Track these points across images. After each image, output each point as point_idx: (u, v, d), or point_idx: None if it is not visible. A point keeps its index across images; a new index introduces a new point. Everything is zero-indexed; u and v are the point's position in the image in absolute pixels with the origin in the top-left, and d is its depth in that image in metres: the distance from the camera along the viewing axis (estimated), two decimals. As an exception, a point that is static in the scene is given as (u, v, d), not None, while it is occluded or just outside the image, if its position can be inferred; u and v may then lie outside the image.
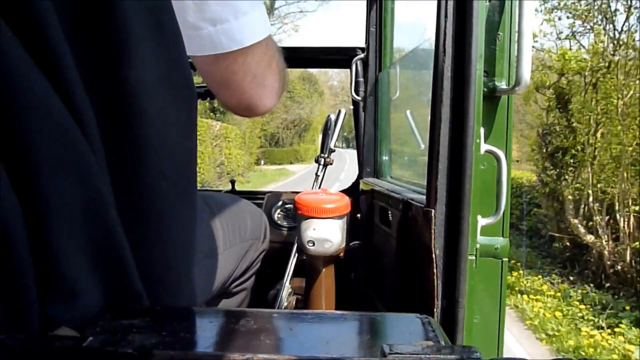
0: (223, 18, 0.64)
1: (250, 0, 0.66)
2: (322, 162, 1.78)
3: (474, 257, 0.93)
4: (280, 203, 2.03)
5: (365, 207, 1.74)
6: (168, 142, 0.49)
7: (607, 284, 7.46)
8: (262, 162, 31.70)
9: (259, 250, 1.39)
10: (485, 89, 0.94)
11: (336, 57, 2.08)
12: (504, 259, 0.99)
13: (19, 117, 0.34)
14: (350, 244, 1.47)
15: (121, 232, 0.41)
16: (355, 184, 2.09)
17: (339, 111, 1.84)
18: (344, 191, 2.14)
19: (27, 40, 0.36)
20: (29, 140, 0.35)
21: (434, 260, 0.91)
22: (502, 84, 0.95)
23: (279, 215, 2.02)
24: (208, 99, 1.33)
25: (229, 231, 1.18)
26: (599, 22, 7.98)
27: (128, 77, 0.43)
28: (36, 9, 0.36)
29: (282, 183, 22.08)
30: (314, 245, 1.28)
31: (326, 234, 1.27)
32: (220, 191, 2.25)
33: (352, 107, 2.10)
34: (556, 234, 9.26)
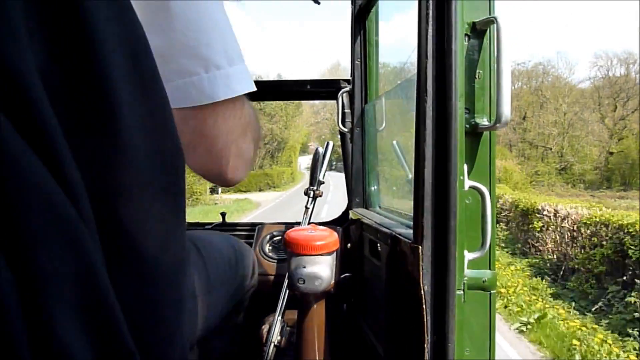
0: (192, 71, 0.62)
1: (228, 55, 0.64)
2: (311, 195, 1.80)
3: (462, 292, 0.95)
4: (271, 235, 2.04)
5: (355, 237, 1.75)
6: (158, 199, 0.50)
7: None
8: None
9: (248, 287, 1.40)
10: (467, 126, 0.97)
11: (323, 90, 2.11)
12: (492, 291, 1.01)
13: (8, 191, 0.35)
14: (341, 276, 1.47)
15: (112, 296, 0.42)
16: (345, 213, 2.11)
17: (327, 144, 1.86)
18: (334, 221, 2.16)
19: (13, 112, 0.37)
20: (19, 213, 0.36)
21: (423, 296, 0.92)
22: (484, 121, 0.98)
23: (270, 248, 2.02)
24: None
25: (217, 270, 1.19)
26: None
27: (116, 146, 0.45)
28: (22, 81, 0.37)
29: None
30: (304, 282, 1.29)
31: (316, 271, 1.27)
32: (210, 224, 2.25)
33: (339, 136, 2.12)
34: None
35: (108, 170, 0.45)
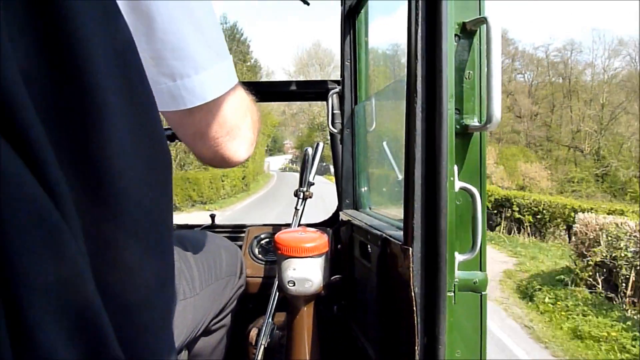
0: (183, 73, 0.62)
1: (214, 52, 0.65)
2: (301, 196, 1.79)
3: (452, 294, 0.94)
4: (260, 237, 2.03)
5: (345, 239, 1.74)
6: (144, 205, 0.49)
7: None
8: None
9: (236, 287, 1.39)
10: (458, 127, 0.96)
11: (312, 91, 2.10)
12: (483, 292, 1.00)
13: None
14: (332, 278, 1.47)
15: (98, 302, 0.41)
16: (336, 214, 2.10)
17: (317, 144, 1.85)
18: (324, 222, 2.15)
19: (1, 122, 0.36)
20: (4, 219, 0.35)
21: (414, 298, 0.92)
22: (474, 121, 0.97)
23: (259, 250, 2.01)
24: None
25: (204, 270, 1.18)
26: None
27: (101, 147, 0.44)
28: (5, 87, 0.36)
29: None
30: (294, 285, 1.28)
31: (306, 273, 1.27)
32: (199, 226, 2.24)
33: (329, 138, 2.12)
34: None
35: (93, 173, 0.44)
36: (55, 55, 0.41)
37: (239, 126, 0.75)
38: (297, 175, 1.90)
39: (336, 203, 2.09)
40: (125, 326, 0.47)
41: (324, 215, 2.28)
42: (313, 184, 1.82)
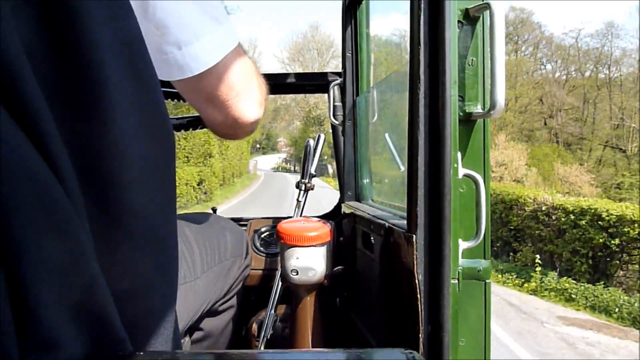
0: (187, 40, 0.66)
1: (212, 18, 0.68)
2: (303, 188, 1.79)
3: (456, 281, 0.94)
4: (262, 230, 2.03)
5: (347, 230, 1.74)
6: (148, 186, 0.49)
7: None
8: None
9: (242, 268, 1.39)
10: (461, 114, 0.96)
11: (313, 83, 2.10)
12: (487, 281, 1.00)
13: None
14: (334, 269, 1.47)
15: (102, 282, 0.41)
16: (338, 207, 2.10)
17: (319, 136, 1.85)
18: (326, 215, 2.15)
19: (2, 96, 0.36)
20: (6, 194, 0.34)
21: (417, 285, 0.91)
22: (478, 108, 0.97)
23: (261, 242, 2.01)
24: (190, 129, 1.33)
25: (206, 253, 1.18)
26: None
27: (107, 127, 0.44)
28: (8, 64, 0.36)
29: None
30: (297, 274, 1.28)
31: (309, 262, 1.27)
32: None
33: (331, 131, 2.11)
34: None
35: (98, 153, 0.44)
36: (58, 30, 0.41)
37: (246, 87, 0.78)
38: (289, 175, 1.89)
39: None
40: (127, 310, 0.47)
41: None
42: (315, 175, 1.82)
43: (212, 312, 1.27)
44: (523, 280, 11.44)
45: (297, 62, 54.72)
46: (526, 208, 13.01)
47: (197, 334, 1.29)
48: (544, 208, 12.40)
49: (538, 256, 11.97)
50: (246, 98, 0.79)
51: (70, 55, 0.42)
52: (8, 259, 0.35)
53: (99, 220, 0.44)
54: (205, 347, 1.34)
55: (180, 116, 1.28)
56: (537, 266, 11.47)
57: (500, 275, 11.95)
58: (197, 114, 1.22)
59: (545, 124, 39.86)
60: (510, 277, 11.72)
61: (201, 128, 1.23)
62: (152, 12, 0.62)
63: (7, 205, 0.35)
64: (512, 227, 13.45)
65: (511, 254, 13.60)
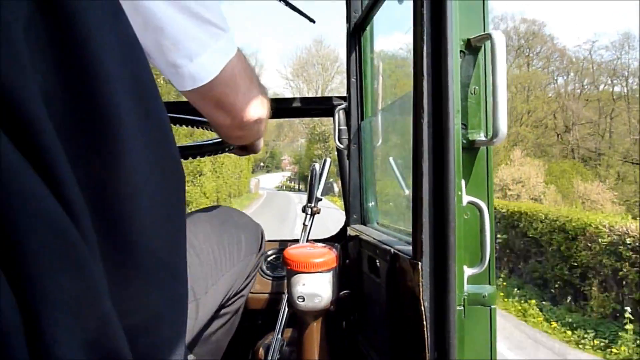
0: (197, 52, 0.71)
1: (217, 26, 0.72)
2: (309, 212, 1.80)
3: (462, 307, 0.94)
4: (268, 253, 2.04)
5: (354, 254, 1.74)
6: (159, 223, 0.50)
7: None
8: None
9: (254, 264, 1.38)
10: (464, 141, 0.97)
11: (319, 107, 2.12)
12: (493, 306, 1.01)
13: (9, 213, 0.36)
14: (340, 293, 1.47)
15: (115, 319, 0.42)
16: (343, 229, 2.11)
17: (324, 160, 1.87)
18: (332, 237, 2.16)
19: (16, 135, 0.37)
20: (22, 234, 0.36)
21: (423, 312, 0.92)
22: (481, 136, 0.98)
23: (268, 265, 2.02)
24: (198, 156, 1.34)
25: (218, 260, 1.16)
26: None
27: (119, 166, 0.45)
28: (24, 104, 0.37)
29: None
30: (304, 300, 1.28)
31: (315, 289, 1.27)
32: None
33: (336, 153, 2.13)
34: None
35: (111, 193, 0.45)
36: (74, 78, 0.42)
37: (248, 88, 0.84)
38: (292, 194, 1.90)
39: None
40: (139, 344, 0.48)
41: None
42: (321, 199, 1.83)
43: (221, 306, 1.25)
44: (606, 341, 8.28)
45: (300, 77, 54.44)
46: (600, 240, 9.36)
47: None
48: (628, 240, 8.69)
49: (628, 309, 8.26)
50: (249, 98, 0.85)
51: (85, 97, 0.43)
52: (24, 296, 0.36)
53: (111, 257, 0.45)
54: (210, 335, 1.31)
55: (186, 144, 1.29)
56: (626, 321, 8.06)
57: (569, 332, 8.93)
58: (203, 142, 1.24)
59: (561, 138, 39.03)
60: (587, 335, 8.62)
61: (206, 156, 1.25)
62: (163, 28, 0.66)
63: (24, 245, 0.36)
64: (575, 264, 10.22)
65: (580, 300, 10.28)
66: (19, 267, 0.36)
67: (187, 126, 1.37)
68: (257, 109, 0.88)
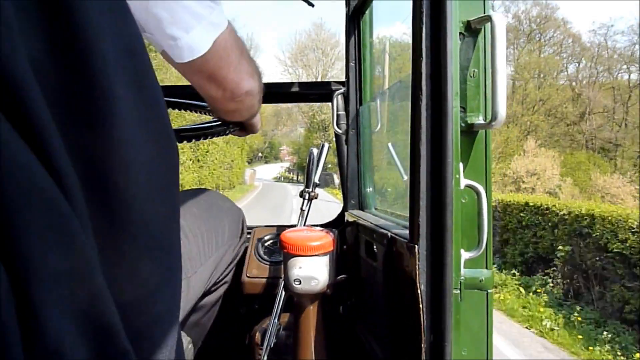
0: (193, 24, 0.73)
1: (211, 1, 0.74)
2: (307, 197, 1.79)
3: (458, 291, 0.94)
4: (265, 238, 2.03)
5: (351, 239, 1.74)
6: (153, 198, 0.50)
7: None
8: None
9: (237, 249, 1.42)
10: (463, 124, 0.97)
11: (317, 92, 2.11)
12: (489, 290, 1.00)
13: (3, 187, 0.35)
14: (337, 277, 1.47)
15: (107, 294, 0.41)
16: (341, 215, 2.10)
17: (322, 145, 1.86)
18: (329, 223, 2.16)
19: (7, 109, 0.36)
20: (12, 208, 0.35)
21: (420, 295, 0.92)
22: (479, 119, 0.97)
23: (265, 250, 2.02)
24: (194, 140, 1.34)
25: (205, 242, 1.19)
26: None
27: (112, 140, 0.44)
28: (15, 78, 0.37)
29: None
30: (300, 283, 1.28)
31: (312, 272, 1.27)
32: None
33: (331, 140, 2.12)
34: None
35: (104, 166, 0.44)
36: (63, 45, 0.42)
37: (239, 61, 0.86)
38: (290, 186, 1.90)
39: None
40: (132, 320, 0.48)
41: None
42: (318, 184, 1.82)
43: (205, 293, 1.29)
44: None
45: (299, 62, 53.70)
46: None
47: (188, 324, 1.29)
48: None
49: None
50: (240, 70, 0.87)
51: (77, 69, 0.43)
52: (15, 271, 0.36)
53: (104, 231, 0.44)
54: (197, 320, 1.34)
55: (184, 126, 1.28)
56: None
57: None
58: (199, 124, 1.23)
59: (577, 128, 37.47)
60: None
61: (204, 138, 1.24)
62: (162, 1, 0.69)
63: (15, 219, 0.36)
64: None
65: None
66: (9, 242, 0.35)
67: (182, 110, 1.37)
68: (248, 81, 0.90)
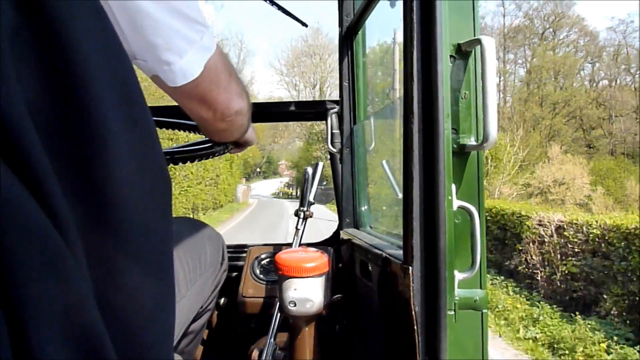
0: (185, 48, 0.74)
1: (200, 23, 0.75)
2: (302, 216, 1.80)
3: (452, 312, 0.95)
4: (262, 257, 2.03)
5: (346, 257, 1.75)
6: (148, 227, 0.50)
7: None
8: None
9: (219, 275, 1.43)
10: (455, 146, 0.97)
11: (312, 110, 2.12)
12: (484, 310, 1.01)
13: None
14: (333, 297, 1.47)
15: (102, 328, 0.42)
16: (337, 233, 2.11)
17: (316, 164, 1.87)
18: (325, 241, 2.16)
19: (3, 150, 0.37)
20: (10, 247, 0.36)
21: (414, 316, 0.92)
22: (471, 140, 0.98)
23: (261, 269, 2.01)
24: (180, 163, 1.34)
25: (190, 268, 1.20)
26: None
27: (107, 178, 0.45)
28: (13, 121, 0.37)
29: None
30: (295, 305, 1.28)
31: (307, 293, 1.27)
32: None
33: (329, 158, 2.13)
34: None
35: (98, 203, 0.45)
36: (60, 87, 0.42)
37: (228, 81, 0.87)
38: (288, 203, 1.90)
39: None
40: (128, 347, 0.48)
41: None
42: (313, 203, 1.83)
43: (192, 320, 1.30)
44: None
45: (296, 69, 53.00)
46: None
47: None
48: None
49: None
50: (229, 91, 0.88)
51: (73, 109, 0.43)
52: (11, 308, 0.36)
53: (102, 265, 0.45)
54: (183, 347, 1.36)
55: (180, 146, 1.29)
56: None
57: None
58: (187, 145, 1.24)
59: (603, 131, 35.26)
60: None
61: (206, 158, 1.24)
62: (155, 27, 0.69)
63: (10, 256, 0.36)
64: None
65: None
66: (7, 281, 0.35)
67: (171, 129, 1.37)
68: (237, 101, 0.91)
